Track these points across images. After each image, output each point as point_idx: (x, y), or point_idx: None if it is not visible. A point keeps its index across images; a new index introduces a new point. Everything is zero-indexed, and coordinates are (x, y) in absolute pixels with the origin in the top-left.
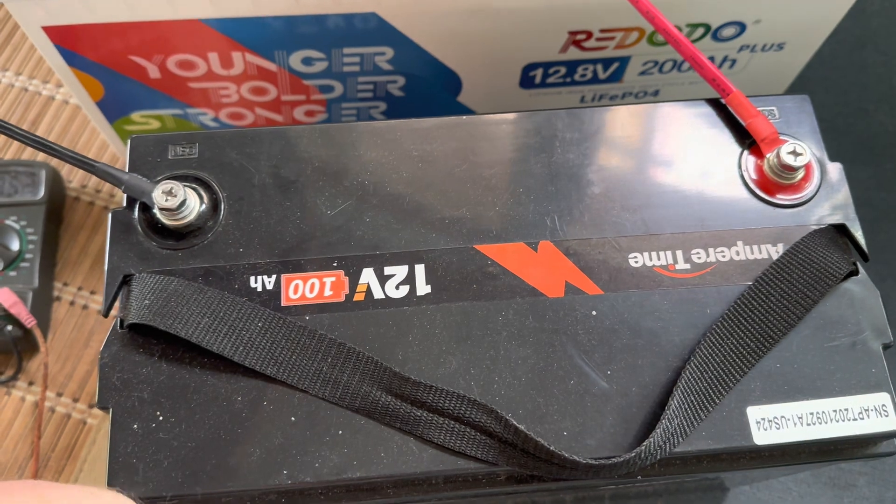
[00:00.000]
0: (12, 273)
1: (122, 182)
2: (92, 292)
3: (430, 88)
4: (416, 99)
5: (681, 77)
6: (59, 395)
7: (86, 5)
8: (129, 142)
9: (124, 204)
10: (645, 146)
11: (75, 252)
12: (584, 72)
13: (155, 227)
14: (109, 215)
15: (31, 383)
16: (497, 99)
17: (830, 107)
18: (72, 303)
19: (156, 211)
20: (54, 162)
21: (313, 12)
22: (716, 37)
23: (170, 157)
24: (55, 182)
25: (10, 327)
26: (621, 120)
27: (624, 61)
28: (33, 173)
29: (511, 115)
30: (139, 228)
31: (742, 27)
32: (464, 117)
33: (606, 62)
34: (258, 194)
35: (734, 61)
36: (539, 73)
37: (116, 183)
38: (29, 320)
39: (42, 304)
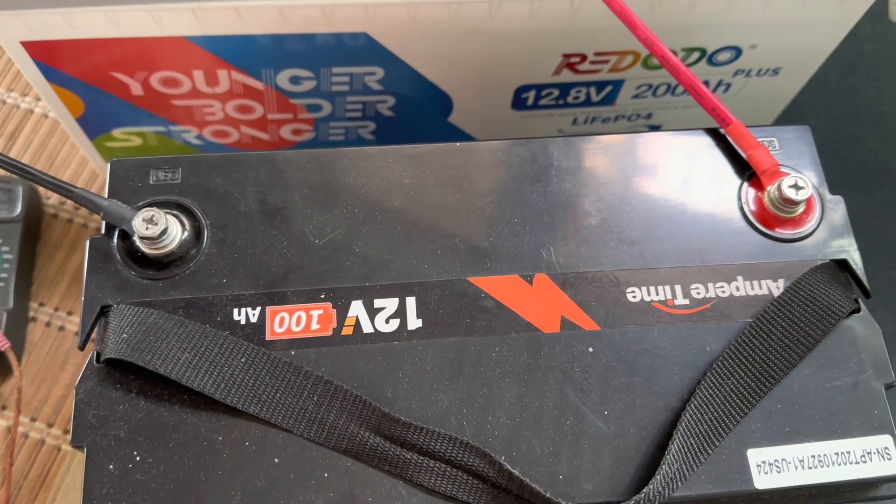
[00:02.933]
0: None
1: (101, 208)
2: (69, 313)
3: (420, 109)
4: (406, 119)
5: (674, 101)
6: (33, 420)
7: (67, 21)
8: (109, 165)
9: (103, 230)
10: (643, 176)
11: (52, 271)
12: (578, 94)
13: (134, 256)
14: (87, 243)
15: (3, 407)
16: (488, 120)
17: (821, 132)
18: (48, 324)
19: (136, 239)
20: None
21: (302, 31)
22: (711, 61)
23: (151, 182)
24: (32, 198)
25: None
26: (619, 149)
27: (617, 84)
28: (10, 189)
29: (506, 143)
30: (118, 257)
31: (738, 52)
32: (458, 144)
33: (600, 85)
34: (243, 222)
35: (729, 85)
36: (531, 94)
37: (95, 209)
38: (2, 343)
39: (17, 325)
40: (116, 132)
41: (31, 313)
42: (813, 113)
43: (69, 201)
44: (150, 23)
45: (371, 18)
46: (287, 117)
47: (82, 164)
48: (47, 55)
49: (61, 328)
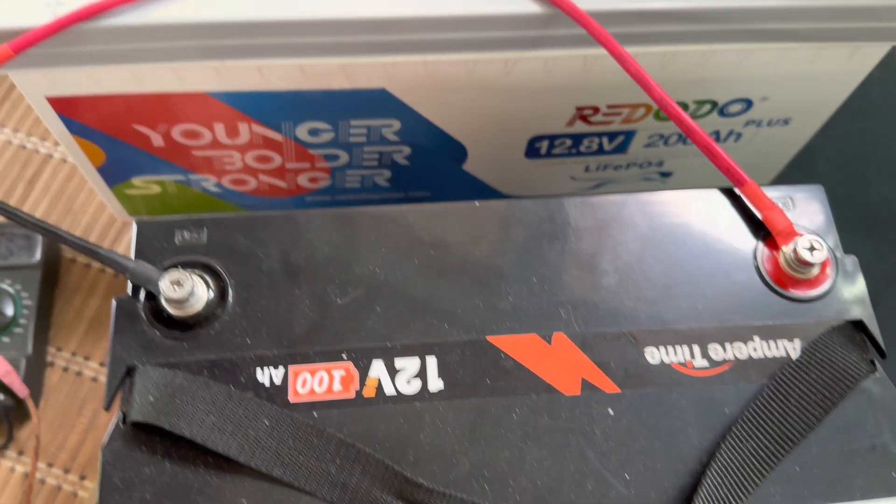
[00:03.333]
0: (5, 339)
1: (127, 270)
2: (86, 358)
3: (435, 157)
4: (420, 167)
5: (685, 149)
6: (50, 465)
7: (92, 77)
8: (134, 225)
9: (128, 290)
10: (660, 235)
11: (70, 316)
12: (590, 144)
13: (160, 316)
14: (113, 303)
15: (20, 453)
16: (502, 168)
17: (830, 177)
18: (65, 369)
19: (162, 300)
20: (50, 222)
21: (323, 87)
22: (722, 113)
23: (177, 243)
24: (51, 244)
25: (1, 397)
26: (635, 208)
27: (629, 135)
28: (29, 235)
29: (524, 202)
30: (144, 317)
31: (749, 104)
32: (477, 203)
33: (612, 135)
34: (267, 282)
35: (739, 135)
36: (545, 144)
37: (122, 270)
38: (22, 390)
39: (35, 371)
40: (136, 180)
41: (49, 358)
42: (822, 158)
43: None
44: (173, 79)
45: (390, 75)
46: (305, 166)
47: (101, 208)
48: (71, 109)
49: (78, 373)
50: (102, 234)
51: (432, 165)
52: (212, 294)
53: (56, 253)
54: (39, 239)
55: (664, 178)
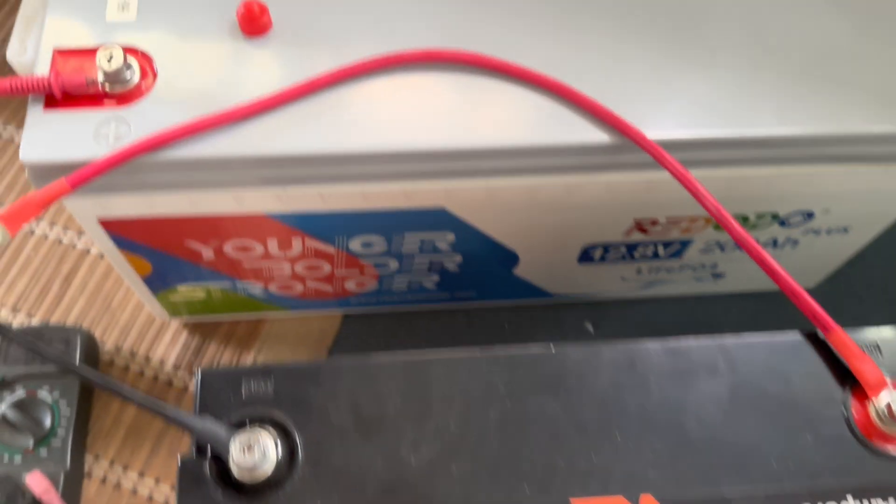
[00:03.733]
0: (43, 452)
1: (194, 430)
2: (125, 468)
3: (486, 264)
4: (470, 272)
5: (741, 255)
6: None
7: (147, 202)
8: (199, 374)
9: (193, 450)
10: (744, 385)
11: (108, 422)
12: (645, 251)
13: (226, 477)
14: (179, 463)
15: None
16: (553, 272)
17: (884, 271)
18: (103, 480)
19: (231, 464)
20: (87, 322)
21: (382, 208)
22: (783, 223)
23: (243, 395)
24: (90, 347)
25: None
26: (717, 355)
27: (686, 243)
28: (67, 339)
29: (603, 348)
30: (210, 479)
31: (810, 216)
32: (553, 349)
33: (668, 243)
34: (337, 438)
35: (797, 242)
36: (599, 251)
37: (188, 429)
38: None
39: (73, 485)
40: (181, 287)
41: (87, 467)
42: (874, 252)
43: (125, 347)
44: (231, 203)
45: (450, 197)
46: (353, 273)
47: (139, 307)
48: (122, 229)
49: (117, 486)
50: (141, 334)
51: (482, 270)
52: (281, 452)
53: (94, 356)
54: (78, 342)
55: (716, 279)
